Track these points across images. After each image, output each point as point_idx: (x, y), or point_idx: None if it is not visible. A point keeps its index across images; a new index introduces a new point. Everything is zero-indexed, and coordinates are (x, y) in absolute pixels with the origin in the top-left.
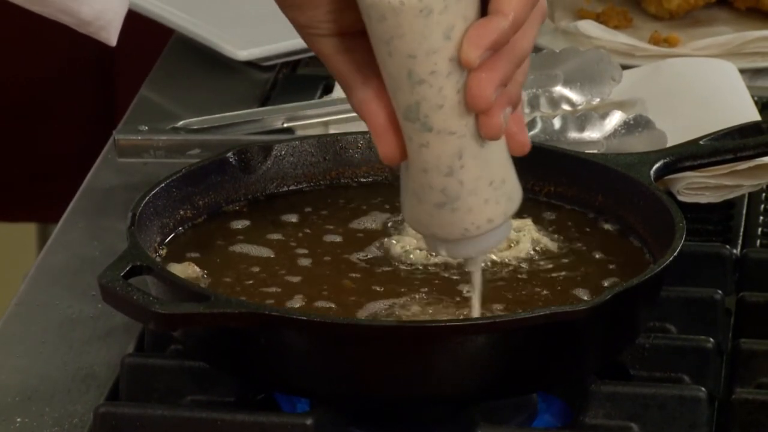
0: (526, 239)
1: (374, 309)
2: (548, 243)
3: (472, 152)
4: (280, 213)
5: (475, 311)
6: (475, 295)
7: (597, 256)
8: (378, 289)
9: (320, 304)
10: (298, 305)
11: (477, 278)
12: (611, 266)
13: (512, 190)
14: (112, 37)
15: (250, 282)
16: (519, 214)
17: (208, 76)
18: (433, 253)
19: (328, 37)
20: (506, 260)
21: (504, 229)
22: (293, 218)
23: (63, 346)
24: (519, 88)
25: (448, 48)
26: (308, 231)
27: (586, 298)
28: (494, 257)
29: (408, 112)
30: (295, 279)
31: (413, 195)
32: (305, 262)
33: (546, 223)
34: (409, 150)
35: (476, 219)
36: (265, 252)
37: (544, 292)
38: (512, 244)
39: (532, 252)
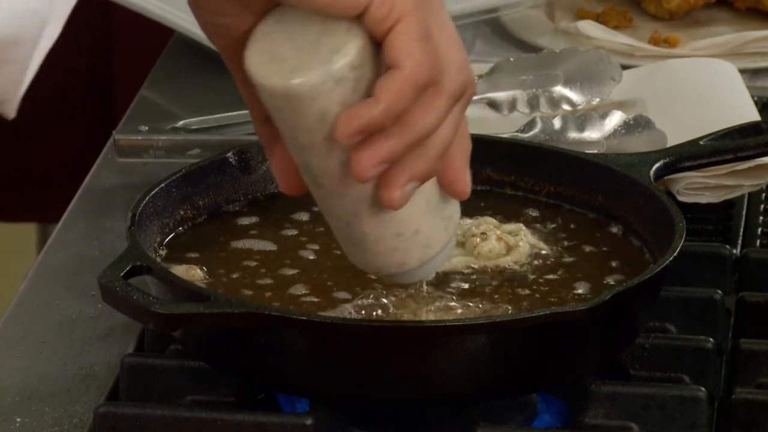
0: (524, 243)
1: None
2: (544, 246)
3: (370, 211)
4: (280, 213)
5: None
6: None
7: (597, 256)
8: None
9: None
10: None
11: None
12: (611, 266)
13: (428, 239)
14: (10, 112)
15: (249, 281)
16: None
17: (208, 76)
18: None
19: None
20: (507, 266)
21: (424, 270)
22: (293, 218)
23: (63, 346)
24: (429, 163)
25: (323, 129)
26: (308, 231)
27: (586, 298)
28: (494, 264)
29: (302, 167)
30: (294, 272)
31: (335, 229)
32: (303, 261)
33: (546, 223)
34: (317, 195)
35: (386, 263)
36: (265, 251)
37: (546, 293)
38: (511, 249)
39: (530, 255)
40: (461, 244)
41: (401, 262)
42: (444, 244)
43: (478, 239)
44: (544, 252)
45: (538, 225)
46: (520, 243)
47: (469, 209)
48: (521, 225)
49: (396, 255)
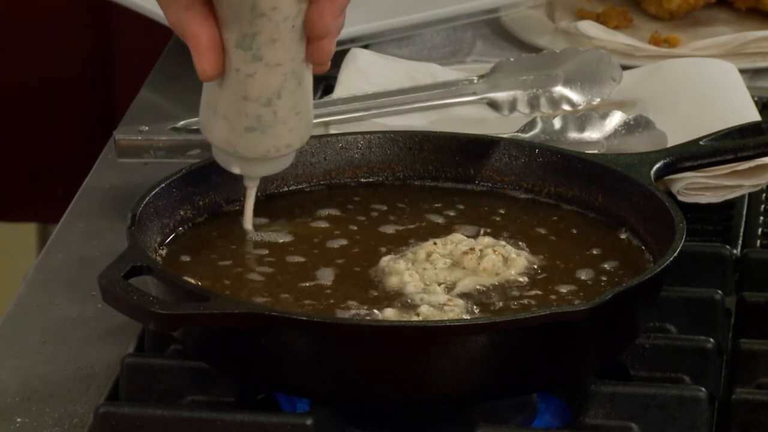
0: (515, 255)
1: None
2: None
3: (292, 85)
4: (280, 213)
5: (248, 221)
6: (247, 209)
7: (597, 256)
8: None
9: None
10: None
11: (252, 194)
12: (611, 266)
13: (310, 121)
14: None
15: (249, 281)
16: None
17: None
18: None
19: None
20: (506, 280)
21: (293, 155)
22: (293, 218)
23: (63, 346)
24: (344, 17)
25: None
26: (308, 230)
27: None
28: (500, 279)
29: (242, 40)
30: (293, 272)
31: (222, 117)
32: (303, 261)
33: (546, 223)
34: (232, 78)
35: (279, 143)
36: (265, 251)
37: (547, 295)
38: (508, 261)
39: (528, 264)
40: (458, 265)
41: (290, 142)
42: (310, 131)
43: (474, 256)
44: (540, 260)
45: (537, 226)
46: (511, 254)
47: (469, 209)
48: (492, 238)
49: (290, 136)
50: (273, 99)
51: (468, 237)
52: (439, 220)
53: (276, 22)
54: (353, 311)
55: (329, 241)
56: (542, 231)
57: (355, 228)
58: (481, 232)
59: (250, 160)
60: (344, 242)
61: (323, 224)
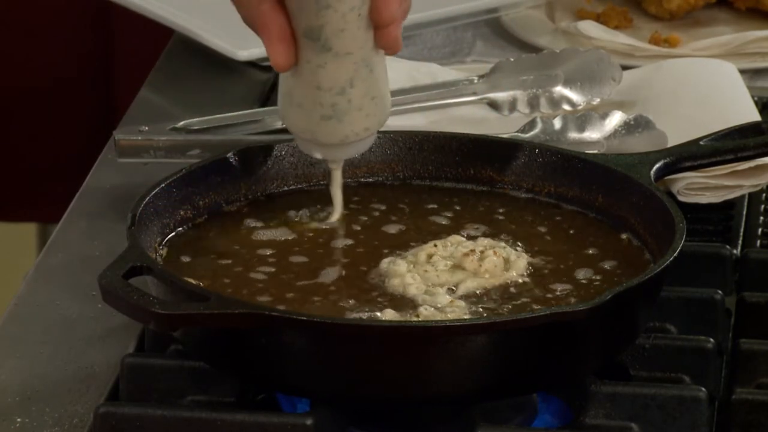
0: (515, 257)
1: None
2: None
3: (363, 73)
4: (280, 213)
5: (337, 203)
6: (336, 191)
7: (597, 256)
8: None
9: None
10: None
11: (338, 175)
12: (611, 266)
13: (387, 102)
14: None
15: (249, 281)
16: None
17: (208, 76)
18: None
19: None
20: (507, 281)
21: (374, 136)
22: (293, 218)
23: (63, 346)
24: (409, 1)
25: None
26: (308, 230)
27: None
28: (502, 281)
29: (310, 32)
30: (293, 272)
31: (298, 106)
32: (303, 261)
33: (546, 223)
34: (304, 68)
35: (356, 128)
36: (265, 251)
37: (547, 295)
38: (509, 262)
39: (528, 265)
40: (459, 267)
41: (367, 126)
42: (389, 112)
43: (475, 257)
44: (540, 261)
45: (537, 226)
46: (512, 256)
47: (469, 209)
48: (490, 240)
49: (366, 120)
50: (346, 88)
51: (468, 238)
52: (439, 220)
53: (342, 12)
54: (354, 312)
55: (330, 241)
56: (542, 231)
57: (357, 228)
58: (483, 233)
59: (330, 145)
60: (345, 242)
61: (324, 224)
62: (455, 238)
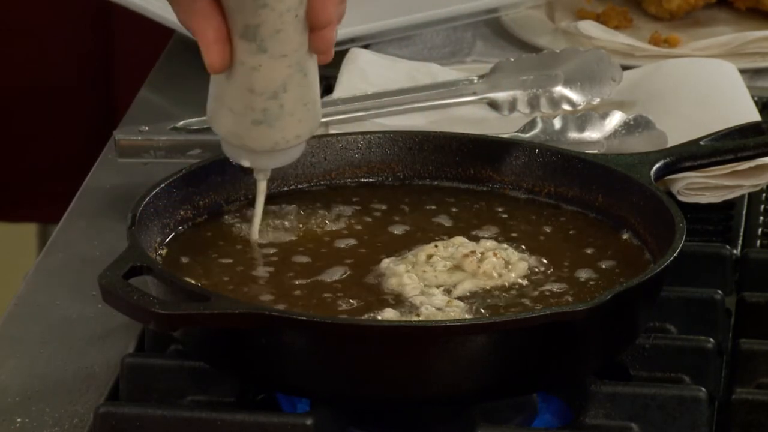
0: (517, 259)
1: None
2: (527, 255)
3: (297, 77)
4: (280, 213)
5: (257, 218)
6: (259, 205)
7: (597, 256)
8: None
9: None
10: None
11: (262, 187)
12: (611, 266)
13: (319, 109)
14: None
15: (249, 281)
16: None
17: (208, 76)
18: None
19: None
20: (506, 283)
21: (304, 144)
22: (294, 218)
23: (63, 346)
24: (344, 5)
25: None
26: (308, 230)
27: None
28: (501, 282)
29: (246, 31)
30: (294, 272)
31: (229, 110)
32: (303, 260)
33: (546, 224)
34: (238, 71)
35: (287, 135)
36: (264, 251)
37: (546, 295)
38: (509, 264)
39: (528, 267)
40: (458, 267)
41: (299, 133)
42: (319, 121)
43: (475, 258)
44: (540, 262)
45: (537, 226)
46: (513, 258)
47: (470, 209)
48: (494, 241)
49: (298, 127)
50: (279, 92)
51: (471, 239)
52: (439, 220)
53: (279, 12)
54: (352, 312)
55: (330, 241)
56: (542, 231)
57: (358, 228)
58: (486, 234)
59: (259, 153)
60: (345, 242)
61: (324, 224)
62: (458, 239)
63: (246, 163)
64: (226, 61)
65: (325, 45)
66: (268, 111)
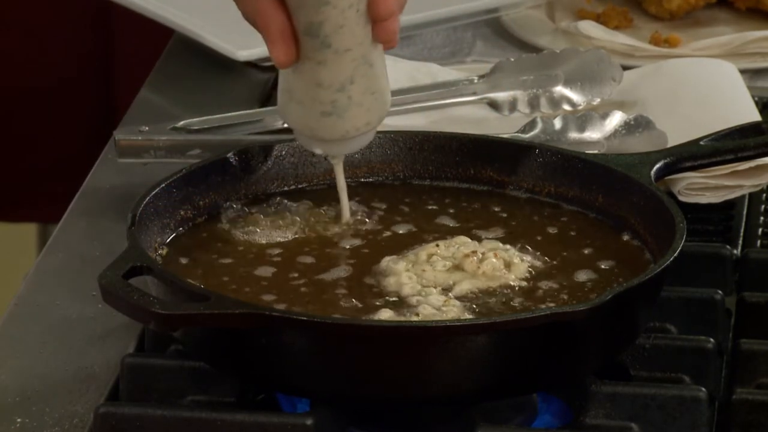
0: (517, 258)
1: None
2: (532, 257)
3: (363, 69)
4: (281, 212)
5: (344, 201)
6: (341, 186)
7: (597, 256)
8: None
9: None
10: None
11: (340, 170)
12: (611, 266)
13: (387, 96)
14: None
15: (250, 281)
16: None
17: (208, 77)
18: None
19: None
20: (506, 284)
21: (375, 130)
22: (295, 218)
23: (63, 346)
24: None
25: None
26: (310, 230)
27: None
28: (499, 283)
29: (309, 28)
30: (295, 273)
31: (298, 102)
32: (303, 261)
33: (546, 224)
34: (305, 66)
35: (357, 123)
36: (265, 252)
37: (546, 295)
38: (510, 265)
39: (530, 268)
40: (458, 267)
41: (368, 121)
42: (389, 105)
43: (475, 258)
44: (540, 262)
45: (538, 226)
46: (514, 259)
47: (471, 209)
48: (498, 242)
49: (367, 115)
50: (346, 84)
51: (474, 239)
52: (442, 220)
53: (340, 8)
54: (351, 311)
55: (332, 241)
56: (542, 231)
57: (361, 228)
58: (487, 234)
59: (331, 141)
60: (348, 242)
61: (325, 224)
62: (461, 239)
63: (319, 151)
64: (292, 56)
65: (389, 35)
66: (337, 103)
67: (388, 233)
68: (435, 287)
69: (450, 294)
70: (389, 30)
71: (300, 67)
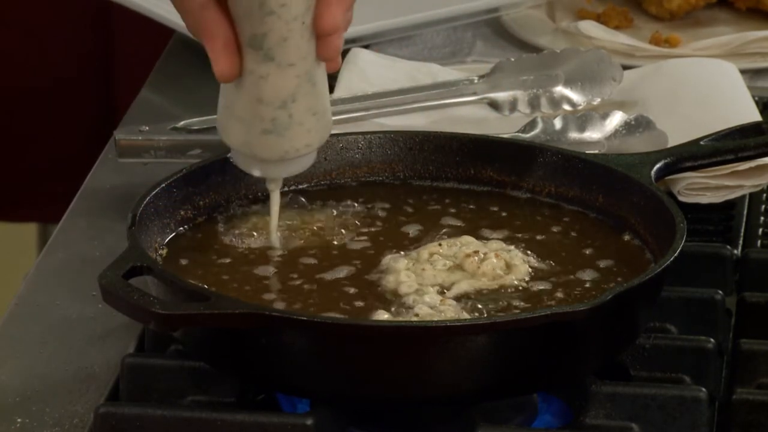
0: (519, 259)
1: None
2: (535, 257)
3: (306, 87)
4: (282, 213)
5: (273, 228)
6: (273, 213)
7: (597, 256)
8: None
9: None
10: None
11: (276, 197)
12: (611, 266)
13: (329, 118)
14: None
15: (250, 281)
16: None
17: (209, 76)
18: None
19: None
20: (505, 284)
21: (315, 153)
22: (297, 217)
23: (63, 346)
24: (351, 12)
25: None
26: (311, 229)
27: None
28: (498, 284)
29: (253, 40)
30: (295, 273)
31: (238, 119)
32: (304, 261)
33: (546, 224)
34: (247, 80)
35: (297, 144)
36: (265, 252)
37: (546, 295)
38: (510, 266)
39: (530, 268)
40: (459, 267)
41: (309, 142)
42: (330, 130)
43: (476, 259)
44: (541, 263)
45: (538, 226)
46: (515, 260)
47: (470, 210)
48: (502, 243)
49: (308, 136)
50: (288, 101)
51: (479, 239)
52: (447, 221)
53: (285, 20)
54: (354, 311)
55: (329, 240)
56: (542, 231)
57: (362, 228)
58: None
59: (269, 162)
60: (350, 242)
61: (327, 223)
62: (465, 239)
63: (257, 173)
64: (235, 69)
65: (332, 52)
66: (277, 120)
67: (392, 233)
68: (433, 286)
69: (446, 294)
70: (333, 46)
71: (242, 82)
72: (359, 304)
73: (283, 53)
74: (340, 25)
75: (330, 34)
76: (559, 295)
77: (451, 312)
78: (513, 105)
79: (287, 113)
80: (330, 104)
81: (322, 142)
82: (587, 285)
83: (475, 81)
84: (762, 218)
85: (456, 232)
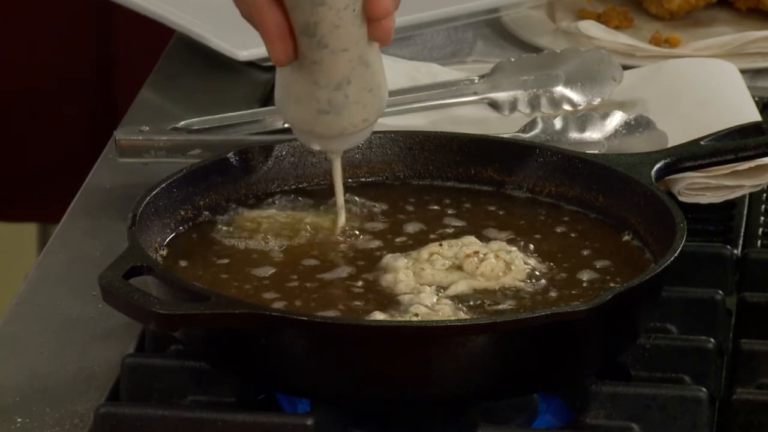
0: (519, 260)
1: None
2: (535, 258)
3: (360, 69)
4: (282, 213)
5: (339, 196)
6: (338, 182)
7: (597, 256)
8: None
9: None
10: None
11: (338, 165)
12: (611, 266)
13: (385, 91)
14: None
15: (250, 281)
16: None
17: (209, 77)
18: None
19: None
20: (504, 285)
21: (372, 126)
22: (294, 217)
23: (63, 346)
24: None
25: None
26: (312, 230)
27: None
28: (497, 284)
29: (305, 28)
30: (296, 273)
31: (296, 100)
32: (300, 258)
33: (546, 224)
34: (302, 64)
35: (354, 120)
36: (265, 251)
37: (545, 295)
38: (509, 267)
39: (530, 269)
40: (458, 267)
41: (365, 117)
42: (386, 100)
43: (476, 259)
44: (541, 263)
45: (538, 226)
46: (516, 260)
47: (470, 210)
48: (504, 243)
49: (364, 112)
50: (343, 84)
51: (481, 239)
52: (438, 220)
53: (336, 9)
54: (353, 311)
55: (329, 240)
56: (542, 231)
57: (360, 227)
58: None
59: (328, 138)
60: (345, 241)
61: (324, 223)
62: (467, 239)
63: (317, 148)
64: (290, 54)
65: (385, 34)
66: (334, 101)
67: (392, 233)
68: (430, 286)
69: (443, 293)
70: (385, 28)
71: (297, 66)
72: (359, 304)
73: (336, 40)
74: (390, 9)
75: (382, 19)
76: (559, 295)
77: (447, 311)
78: (513, 105)
79: (343, 94)
80: (385, 79)
81: (379, 115)
82: (587, 285)
83: (476, 81)
84: (762, 218)
85: (456, 232)
